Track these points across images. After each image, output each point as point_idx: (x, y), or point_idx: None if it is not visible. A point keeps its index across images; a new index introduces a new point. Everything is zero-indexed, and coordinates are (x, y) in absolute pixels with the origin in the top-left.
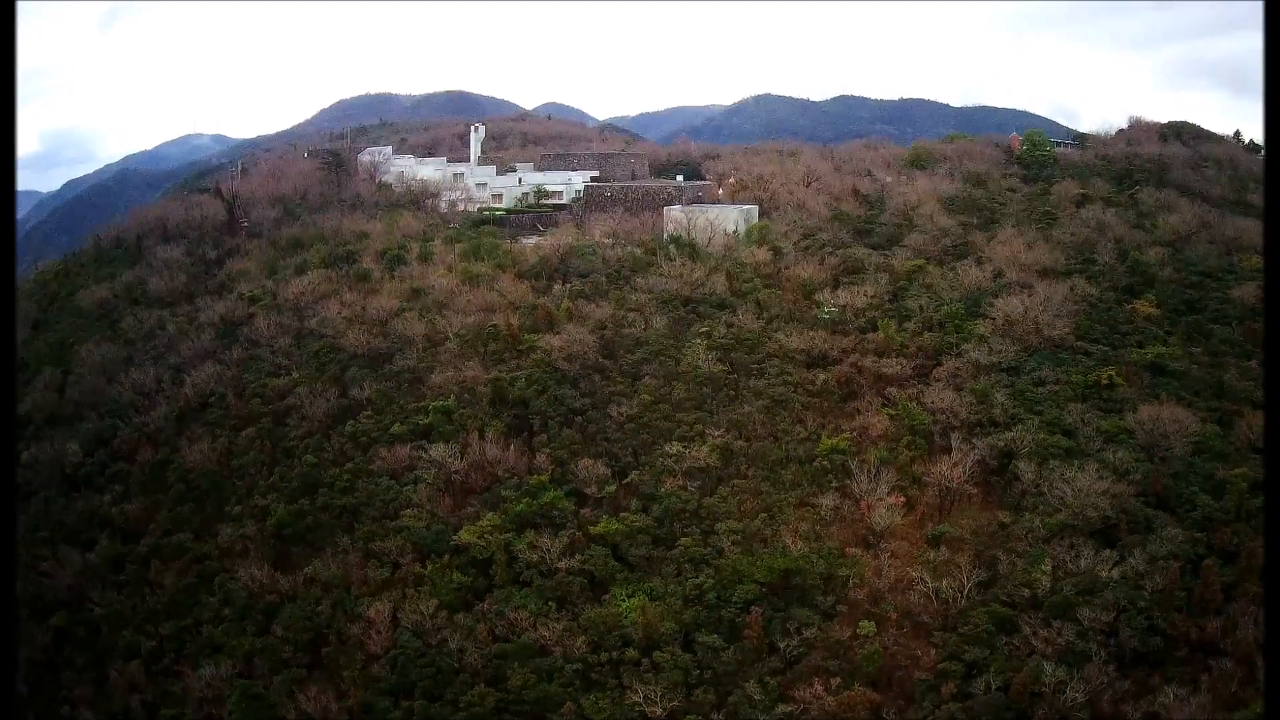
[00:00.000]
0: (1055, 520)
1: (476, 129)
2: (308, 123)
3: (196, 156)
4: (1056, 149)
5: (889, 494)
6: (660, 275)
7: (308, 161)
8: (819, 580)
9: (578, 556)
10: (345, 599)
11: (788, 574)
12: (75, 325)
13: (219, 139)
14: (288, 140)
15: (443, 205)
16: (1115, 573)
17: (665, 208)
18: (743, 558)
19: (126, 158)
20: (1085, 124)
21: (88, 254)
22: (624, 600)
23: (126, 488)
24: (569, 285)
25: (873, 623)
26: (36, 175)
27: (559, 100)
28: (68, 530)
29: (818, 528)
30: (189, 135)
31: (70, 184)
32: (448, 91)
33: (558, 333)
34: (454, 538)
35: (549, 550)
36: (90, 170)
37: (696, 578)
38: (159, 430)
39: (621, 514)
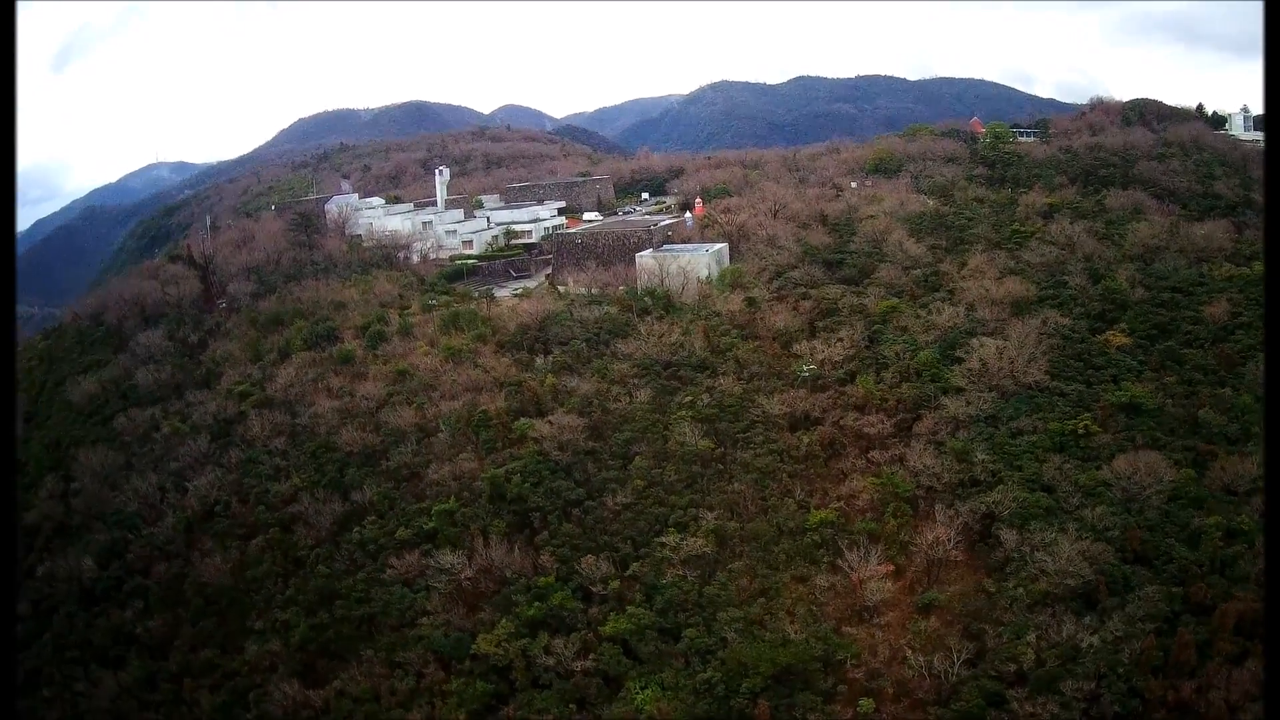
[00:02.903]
0: (1037, 588)
1: (441, 172)
2: (268, 145)
3: (159, 188)
4: (1020, 139)
5: (878, 564)
6: (639, 339)
7: (276, 223)
8: (818, 664)
9: (591, 656)
10: (377, 711)
11: (789, 664)
12: (67, 422)
13: (180, 167)
14: (249, 165)
15: (414, 257)
16: (1095, 639)
17: (637, 255)
18: (746, 647)
19: (91, 192)
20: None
21: (68, 334)
22: (638, 693)
23: (146, 603)
24: (550, 357)
25: (871, 699)
26: None
27: (516, 102)
28: (95, 649)
29: (813, 608)
30: (151, 165)
31: (39, 224)
32: (405, 103)
33: (546, 417)
34: (473, 645)
35: (563, 653)
36: (57, 208)
37: (704, 671)
38: (169, 541)
39: (628, 608)
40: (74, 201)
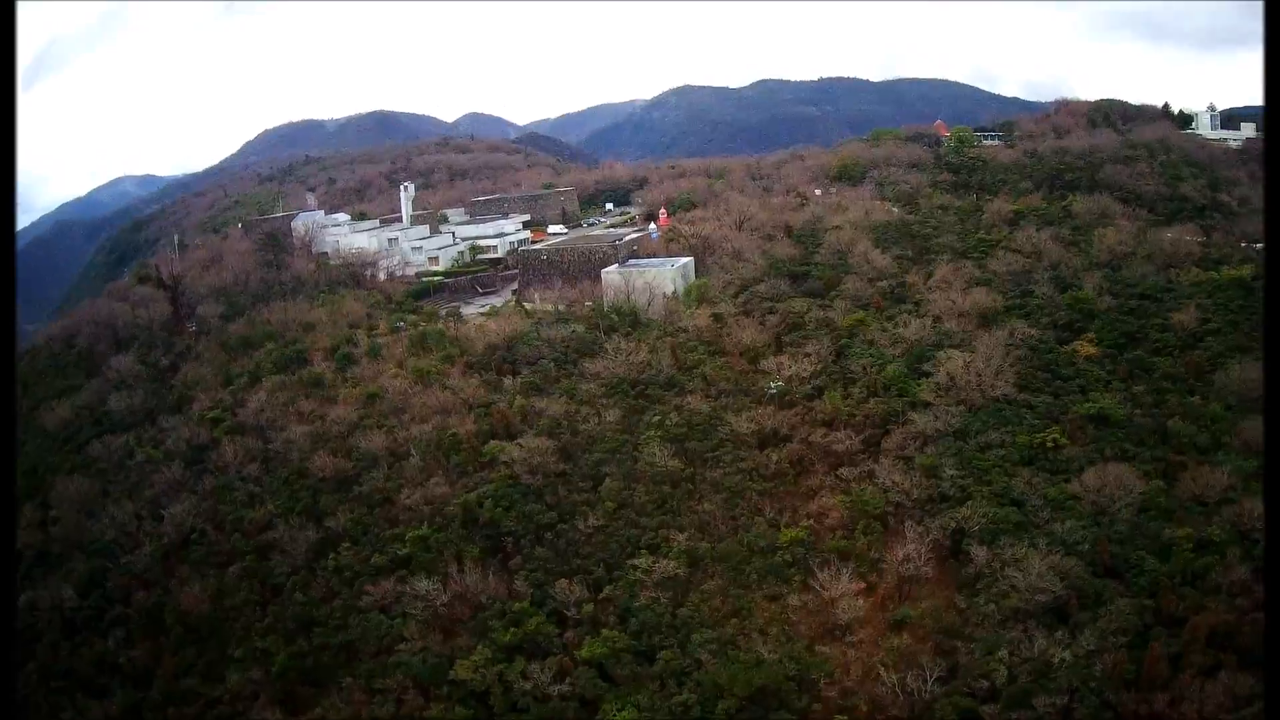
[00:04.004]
0: (1009, 603)
1: (406, 188)
2: (234, 157)
3: (127, 201)
4: (985, 142)
5: (849, 582)
6: (606, 358)
7: (243, 241)
8: (793, 684)
9: (568, 680)
10: None
11: (764, 684)
12: (42, 448)
13: (147, 180)
14: (215, 178)
15: (381, 275)
16: (1067, 654)
17: (603, 271)
18: (720, 668)
19: (61, 206)
20: (1007, 87)
21: (41, 356)
22: (615, 716)
23: (128, 632)
24: (518, 378)
25: (845, 718)
26: None
27: (479, 110)
28: (80, 678)
29: (786, 627)
30: (118, 179)
31: None
32: (369, 113)
33: (516, 439)
34: (451, 671)
35: (540, 678)
36: (27, 222)
37: (680, 694)
38: (147, 570)
39: (602, 631)
40: (44, 216)
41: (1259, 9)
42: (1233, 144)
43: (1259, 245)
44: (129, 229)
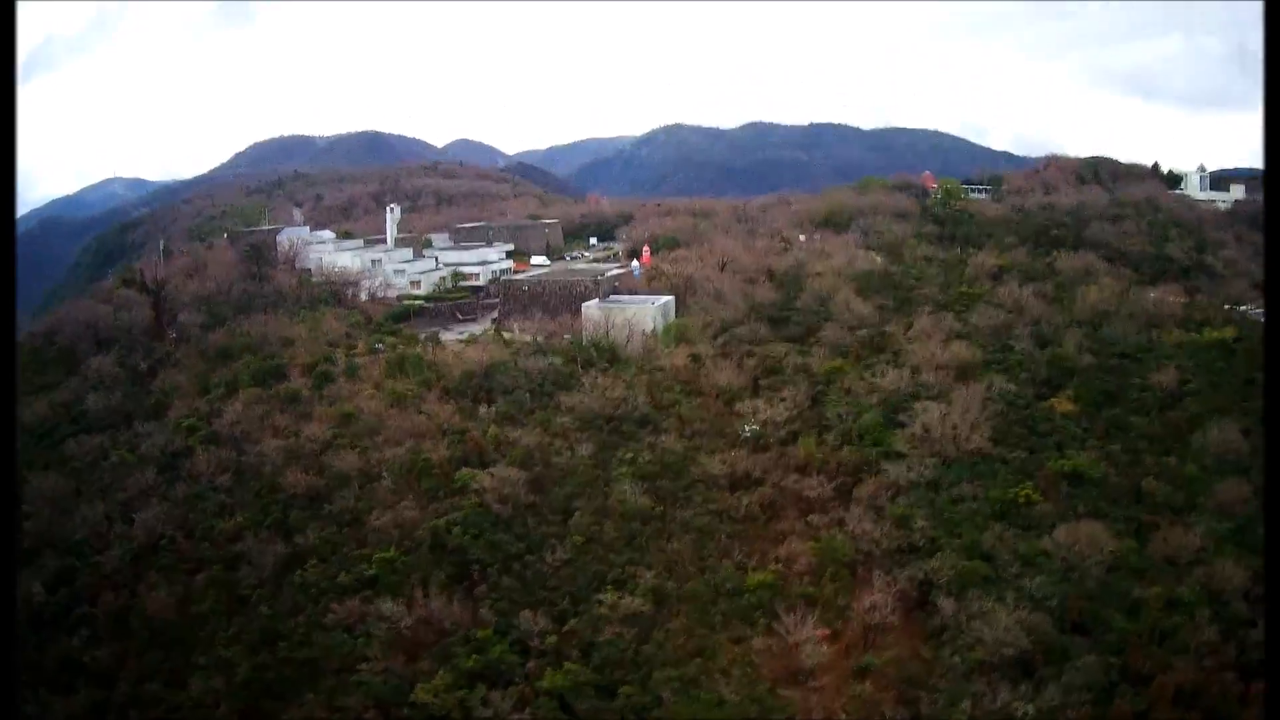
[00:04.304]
0: (974, 656)
1: (393, 210)
2: (224, 166)
3: (115, 204)
4: (972, 196)
5: (815, 628)
6: (582, 392)
7: (228, 252)
8: None
9: (528, 710)
10: None
11: None
12: (20, 443)
13: (137, 184)
14: (204, 186)
15: (363, 295)
16: (1031, 708)
17: (584, 305)
18: (682, 707)
19: (50, 203)
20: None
21: (21, 351)
22: None
23: (94, 632)
24: (493, 406)
25: None
26: None
27: (469, 137)
28: (45, 674)
29: (749, 669)
30: (107, 180)
31: None
32: (360, 132)
33: (488, 468)
34: (411, 694)
35: (501, 706)
36: (17, 215)
37: None
38: (116, 572)
39: (565, 664)
40: (32, 211)
41: (1251, 70)
42: (1221, 205)
43: (1243, 308)
44: (116, 231)
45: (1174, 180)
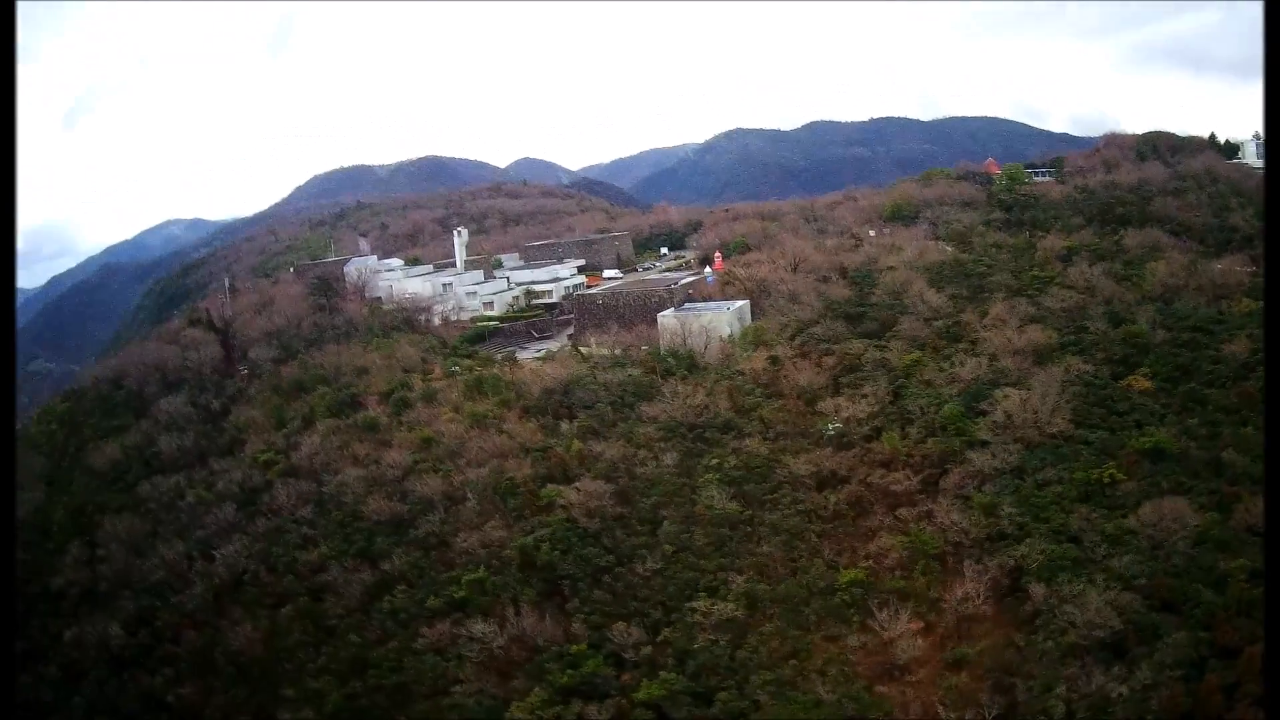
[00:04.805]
0: (1066, 640)
1: (460, 233)
2: (285, 202)
3: (176, 245)
4: (1035, 179)
5: (908, 622)
6: (663, 401)
7: (295, 285)
8: None
9: None
10: None
11: None
12: (90, 488)
13: (196, 224)
14: (266, 223)
15: (436, 319)
16: (1125, 688)
17: (659, 315)
18: (779, 709)
19: (108, 249)
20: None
21: (88, 396)
22: None
23: (177, 670)
24: (575, 421)
25: None
26: (20, 272)
27: (531, 155)
28: (126, 715)
29: (844, 668)
30: (167, 222)
31: (55, 280)
32: (421, 159)
33: (573, 483)
34: (506, 713)
35: None
36: (74, 264)
37: None
38: (198, 609)
39: (660, 673)
40: (90, 258)
41: None
42: None
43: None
44: (178, 273)
45: (1231, 150)
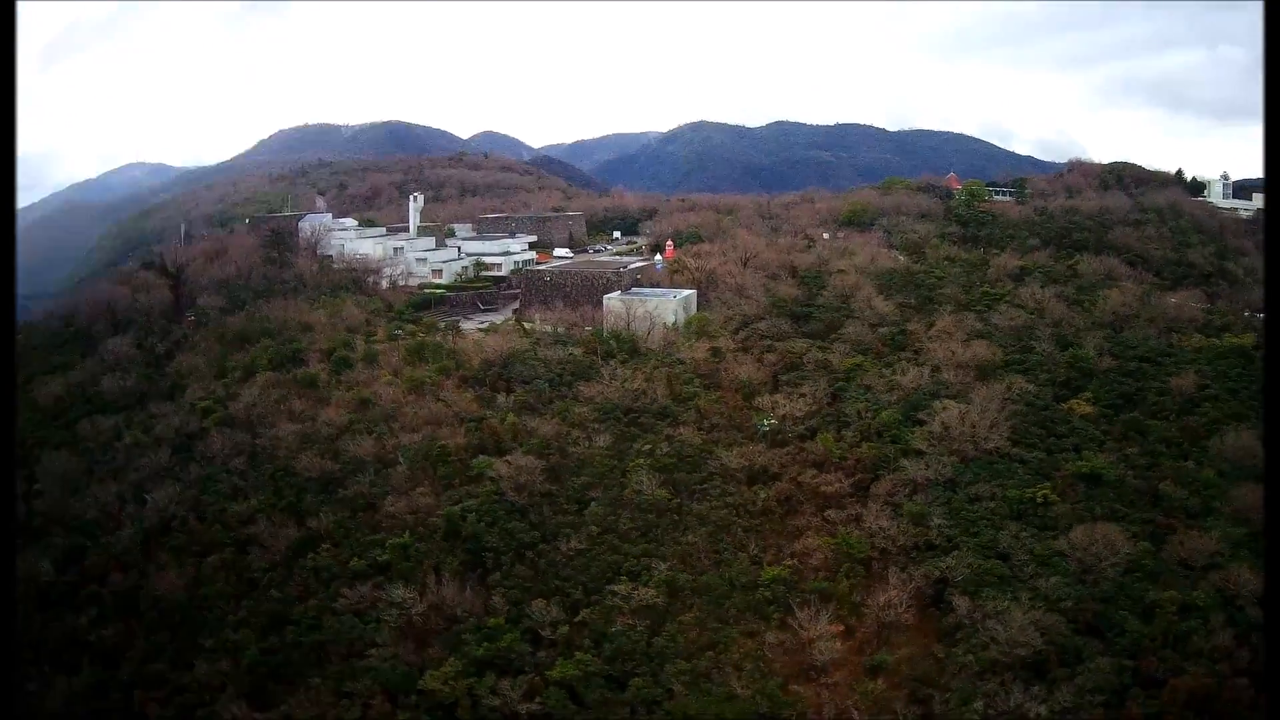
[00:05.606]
0: (987, 656)
1: (415, 198)
2: (248, 154)
3: (137, 188)
4: (996, 197)
5: (828, 624)
6: (601, 383)
7: (250, 237)
8: None
9: (537, 700)
10: None
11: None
12: (32, 423)
13: (160, 169)
14: (228, 173)
15: (384, 283)
16: (1043, 709)
17: (605, 296)
18: (692, 700)
19: (72, 186)
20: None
21: (39, 331)
22: None
23: (101, 611)
24: (512, 395)
25: None
26: None
27: (494, 129)
28: (49, 651)
29: (761, 664)
30: (130, 164)
31: (20, 213)
32: (386, 122)
33: (505, 456)
34: (420, 681)
35: (510, 694)
36: (37, 198)
37: None
38: (126, 552)
39: (576, 654)
40: (55, 194)
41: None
42: (1244, 213)
43: (1263, 314)
44: (137, 216)
45: (1197, 188)
